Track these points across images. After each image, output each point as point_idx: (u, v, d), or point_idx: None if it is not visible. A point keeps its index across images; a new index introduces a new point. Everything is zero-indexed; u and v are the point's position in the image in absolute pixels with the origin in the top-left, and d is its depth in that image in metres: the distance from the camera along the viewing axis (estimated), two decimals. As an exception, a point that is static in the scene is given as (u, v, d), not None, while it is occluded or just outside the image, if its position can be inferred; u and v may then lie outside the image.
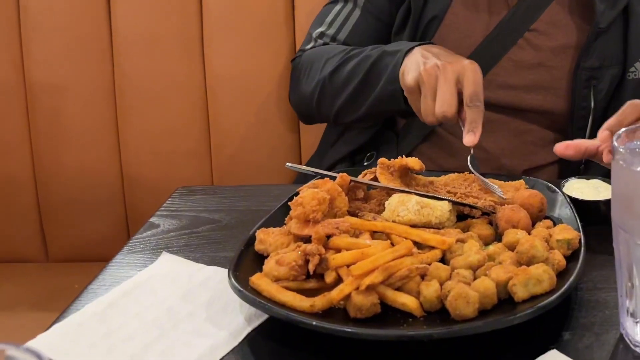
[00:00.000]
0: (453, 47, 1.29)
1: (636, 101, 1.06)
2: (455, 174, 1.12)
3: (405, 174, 1.11)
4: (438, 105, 1.12)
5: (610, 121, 1.05)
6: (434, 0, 1.39)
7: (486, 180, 1.07)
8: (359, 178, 1.11)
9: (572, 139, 1.35)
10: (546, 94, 1.38)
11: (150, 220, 1.18)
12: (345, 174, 1.07)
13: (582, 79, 1.35)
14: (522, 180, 1.09)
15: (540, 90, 1.38)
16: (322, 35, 1.49)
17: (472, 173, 1.10)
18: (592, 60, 1.35)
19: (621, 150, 0.79)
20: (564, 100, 1.39)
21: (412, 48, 1.25)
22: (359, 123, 1.50)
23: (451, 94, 1.12)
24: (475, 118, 1.11)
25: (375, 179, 1.10)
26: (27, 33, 1.69)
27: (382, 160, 1.10)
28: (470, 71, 1.13)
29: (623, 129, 0.81)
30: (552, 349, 0.81)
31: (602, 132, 1.04)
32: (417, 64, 1.18)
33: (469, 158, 1.12)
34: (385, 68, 1.28)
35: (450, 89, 1.12)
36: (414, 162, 1.09)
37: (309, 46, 1.50)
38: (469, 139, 1.11)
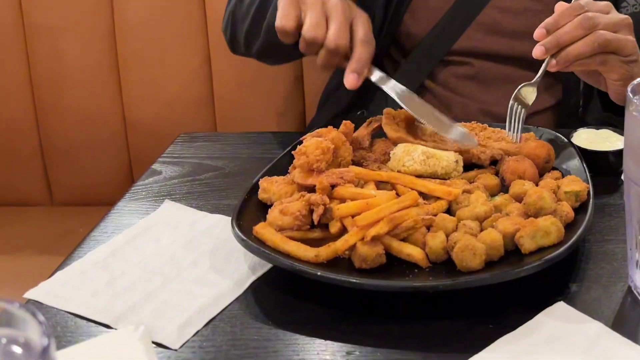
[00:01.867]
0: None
1: (575, 3, 1.03)
2: (462, 123, 1.10)
3: (411, 124, 1.09)
4: (331, 33, 1.04)
5: (548, 20, 1.03)
6: None
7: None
8: (364, 126, 1.09)
9: (565, 83, 1.33)
10: (530, 39, 1.32)
11: (152, 166, 1.17)
12: (348, 121, 1.05)
13: None
14: (531, 133, 1.07)
15: (529, 36, 1.33)
16: None
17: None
18: None
19: (635, 100, 0.77)
20: None
21: None
22: (269, 56, 1.38)
23: (345, 25, 1.05)
24: (365, 57, 1.06)
25: (380, 128, 1.08)
26: (23, -26, 1.65)
27: (388, 110, 1.08)
28: (362, 16, 1.08)
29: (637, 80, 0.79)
30: (559, 301, 0.80)
31: (539, 30, 1.03)
32: None
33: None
34: None
35: (343, 19, 1.05)
36: None
37: None
38: (352, 79, 1.05)
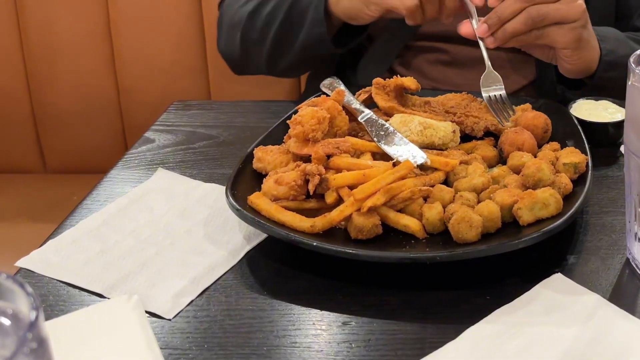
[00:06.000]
0: None
1: None
2: (453, 93, 1.09)
3: (401, 94, 1.08)
4: None
5: (491, 14, 1.03)
6: None
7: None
8: (355, 97, 1.07)
9: (538, 61, 1.27)
10: None
11: (145, 134, 1.15)
12: (340, 89, 1.03)
13: None
14: (528, 104, 1.05)
15: None
16: None
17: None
18: None
19: (638, 71, 0.75)
20: None
21: None
22: (299, 70, 1.40)
23: None
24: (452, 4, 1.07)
25: (370, 98, 1.07)
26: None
27: (377, 80, 1.06)
28: None
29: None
30: (557, 272, 0.80)
31: (481, 26, 1.04)
32: None
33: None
34: (307, 7, 1.18)
35: None
36: (409, 81, 1.05)
37: None
38: (483, 28, 1.04)
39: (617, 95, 1.05)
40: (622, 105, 1.04)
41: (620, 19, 1.32)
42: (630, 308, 0.74)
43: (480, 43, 1.06)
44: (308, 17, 1.19)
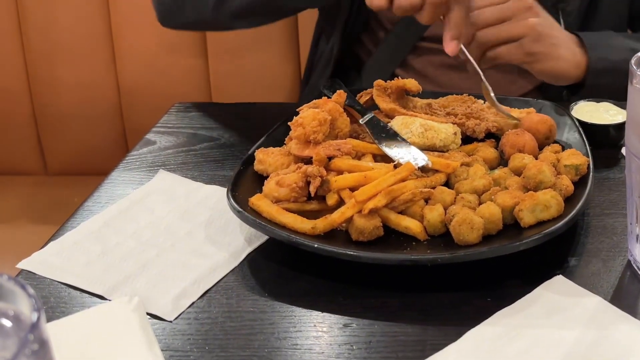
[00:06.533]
0: None
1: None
2: (454, 95, 1.08)
3: (402, 96, 1.08)
4: None
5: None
6: None
7: (499, 105, 1.04)
8: (356, 99, 1.07)
9: None
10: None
11: (147, 136, 1.15)
12: (341, 90, 1.03)
13: (547, 5, 1.22)
14: (532, 108, 1.05)
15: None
16: None
17: (488, 93, 1.05)
18: None
19: (639, 73, 0.75)
20: None
21: None
22: (249, 19, 1.25)
23: None
24: (461, 19, 0.99)
25: (371, 100, 1.07)
26: (15, -61, 1.62)
27: (378, 81, 1.06)
28: None
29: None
30: (558, 274, 0.79)
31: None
32: None
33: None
34: None
35: None
36: (411, 83, 1.05)
37: None
38: (453, 46, 0.99)
39: (618, 98, 1.05)
40: (624, 107, 1.04)
41: (636, 17, 1.32)
42: (631, 310, 0.74)
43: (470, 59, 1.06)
44: None
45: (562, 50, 1.12)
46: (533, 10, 1.09)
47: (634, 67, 0.76)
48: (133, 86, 1.68)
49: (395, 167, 0.89)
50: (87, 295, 0.80)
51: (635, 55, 0.77)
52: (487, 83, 1.03)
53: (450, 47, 1.00)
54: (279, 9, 1.21)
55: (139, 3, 1.63)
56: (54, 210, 1.53)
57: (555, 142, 0.99)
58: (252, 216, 0.85)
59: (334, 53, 1.38)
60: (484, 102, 1.06)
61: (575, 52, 1.14)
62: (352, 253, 0.80)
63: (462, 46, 1.02)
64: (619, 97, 1.05)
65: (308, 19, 1.56)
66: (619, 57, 1.12)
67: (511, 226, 0.83)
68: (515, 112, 1.04)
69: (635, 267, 0.80)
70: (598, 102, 1.08)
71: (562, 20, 1.26)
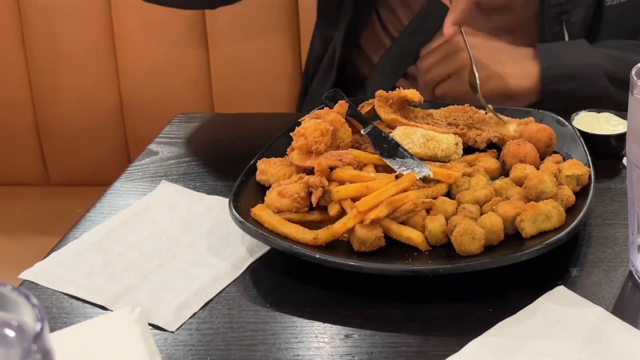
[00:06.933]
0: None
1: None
2: (455, 105, 1.09)
3: (404, 107, 1.08)
4: None
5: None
6: None
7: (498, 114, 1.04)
8: (358, 109, 1.07)
9: None
10: (514, 36, 1.29)
11: (149, 147, 1.16)
12: (343, 101, 1.04)
13: (550, 16, 1.26)
14: (531, 117, 1.06)
15: (508, 32, 1.30)
16: None
17: (481, 101, 1.06)
18: None
19: None
20: (535, 40, 1.28)
21: None
22: None
23: None
24: (465, 6, 1.03)
25: (373, 111, 1.07)
26: (19, -49, 1.63)
27: (379, 92, 1.07)
28: None
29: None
30: (560, 285, 0.79)
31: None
32: None
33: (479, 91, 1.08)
34: None
35: None
36: (412, 93, 1.06)
37: None
38: (452, 31, 1.03)
39: (586, 104, 1.08)
40: (625, 117, 1.04)
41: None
42: (633, 321, 0.74)
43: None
44: None
45: (507, 68, 1.16)
46: (462, 50, 1.16)
47: (635, 77, 0.76)
48: (135, 97, 1.69)
49: (397, 177, 0.89)
50: (89, 305, 0.81)
51: (636, 66, 0.78)
52: (481, 96, 1.06)
53: (450, 30, 1.03)
54: None
55: (142, 13, 1.63)
56: (56, 221, 1.53)
57: (557, 152, 0.99)
58: (253, 227, 0.85)
59: (336, 59, 1.37)
60: (486, 113, 1.06)
61: (526, 66, 1.18)
62: (353, 263, 0.80)
63: (462, 32, 1.05)
64: (588, 104, 1.07)
65: (310, 23, 1.56)
66: (578, 63, 1.14)
67: (513, 236, 0.83)
68: (515, 122, 1.04)
69: (637, 278, 0.80)
70: (599, 112, 1.09)
71: (565, 32, 1.26)
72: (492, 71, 1.17)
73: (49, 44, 1.67)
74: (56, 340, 0.65)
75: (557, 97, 1.15)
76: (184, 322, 0.78)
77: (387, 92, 1.07)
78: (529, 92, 1.19)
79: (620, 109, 1.03)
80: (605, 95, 1.15)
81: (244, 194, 0.92)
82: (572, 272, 0.82)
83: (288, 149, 0.98)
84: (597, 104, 1.09)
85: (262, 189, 0.93)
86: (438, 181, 0.91)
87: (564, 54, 1.19)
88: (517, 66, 1.17)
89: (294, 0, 1.65)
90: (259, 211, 0.88)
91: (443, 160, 0.98)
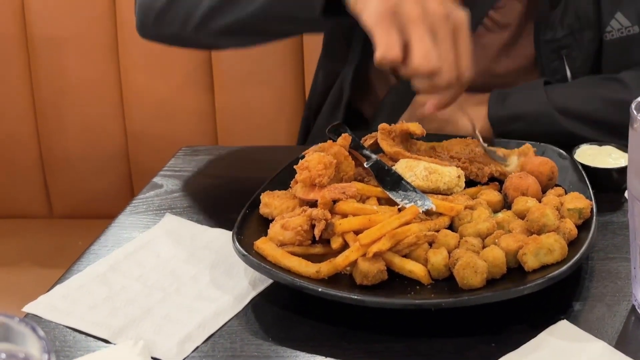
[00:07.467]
0: None
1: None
2: (457, 138, 1.09)
3: (406, 139, 1.09)
4: (449, 66, 0.91)
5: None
6: None
7: (491, 149, 1.05)
8: (361, 142, 1.08)
9: None
10: (517, 76, 1.30)
11: (154, 180, 1.16)
12: (347, 134, 1.04)
13: (546, 52, 1.26)
14: (528, 145, 1.06)
15: (511, 74, 1.31)
16: None
17: (479, 141, 1.07)
18: (556, 31, 1.24)
19: (639, 117, 0.76)
20: (537, 78, 1.27)
21: None
22: (234, 38, 1.19)
23: (466, 53, 0.93)
24: (459, 95, 1.02)
25: (376, 144, 1.08)
26: (27, -15, 1.65)
27: (382, 125, 1.07)
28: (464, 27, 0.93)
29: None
30: (563, 319, 0.79)
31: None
32: None
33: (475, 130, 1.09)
34: None
35: (464, 47, 0.93)
36: (415, 126, 1.06)
37: None
38: (433, 109, 1.02)
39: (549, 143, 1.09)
40: (626, 150, 1.04)
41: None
42: (636, 355, 0.74)
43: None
44: None
45: (463, 114, 1.17)
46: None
47: (634, 111, 0.76)
48: (140, 130, 1.70)
49: (400, 210, 0.89)
50: (92, 339, 0.81)
51: (635, 100, 0.78)
52: (478, 134, 1.07)
53: (431, 109, 1.03)
54: (266, 31, 1.17)
55: (148, 48, 1.65)
56: (60, 254, 1.54)
57: (559, 185, 0.99)
58: (256, 260, 0.85)
59: (344, 100, 1.37)
60: (487, 146, 1.07)
61: (478, 110, 1.20)
62: (356, 297, 0.80)
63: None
64: (552, 141, 1.08)
65: (315, 58, 1.57)
66: (524, 103, 1.17)
67: (515, 270, 0.83)
68: (516, 154, 1.05)
69: (640, 312, 0.80)
70: (601, 145, 1.09)
71: (567, 67, 1.27)
72: (450, 117, 1.20)
73: (55, 76, 1.68)
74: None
75: (511, 138, 1.16)
76: (187, 356, 0.78)
77: (390, 125, 1.08)
78: (492, 132, 1.20)
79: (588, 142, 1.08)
80: (565, 132, 1.16)
81: (248, 226, 0.93)
82: (575, 306, 0.82)
83: (292, 182, 0.99)
84: (565, 140, 1.10)
85: (266, 221, 0.94)
86: (440, 214, 0.91)
87: (513, 97, 1.21)
88: (471, 111, 1.19)
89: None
90: (262, 244, 0.88)
91: (445, 192, 0.98)
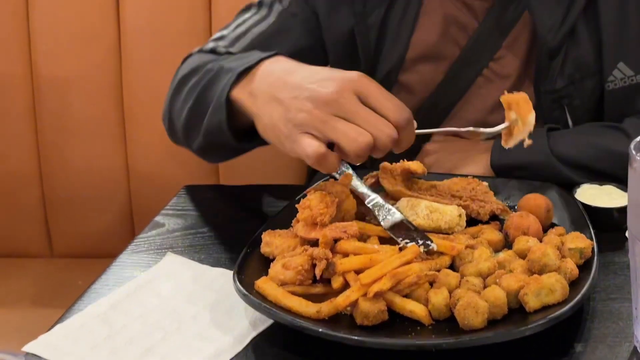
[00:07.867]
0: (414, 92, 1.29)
1: None
2: (459, 177, 1.10)
3: (408, 178, 1.09)
4: (387, 132, 0.88)
5: None
6: (388, 54, 1.28)
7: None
8: (362, 181, 1.09)
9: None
10: None
11: (155, 219, 1.17)
12: (348, 172, 1.05)
13: (547, 102, 1.26)
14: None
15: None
16: (220, 38, 1.27)
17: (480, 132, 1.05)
18: (556, 81, 1.24)
19: (638, 158, 0.77)
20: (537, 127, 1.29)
21: (248, 69, 1.02)
22: (212, 155, 1.26)
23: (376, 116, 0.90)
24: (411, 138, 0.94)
25: (377, 182, 1.08)
26: (34, 25, 1.67)
27: (384, 164, 1.08)
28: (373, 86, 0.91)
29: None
30: (564, 361, 0.79)
31: None
32: (282, 106, 0.93)
33: None
34: (215, 91, 1.07)
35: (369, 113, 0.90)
36: (416, 165, 1.07)
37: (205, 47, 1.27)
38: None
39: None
40: (626, 190, 1.05)
41: None
42: (639, 397, 0.73)
43: None
44: (212, 101, 1.07)
45: (466, 163, 1.21)
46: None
47: (634, 152, 0.77)
48: (143, 168, 1.70)
49: (401, 249, 0.90)
50: (91, 379, 0.80)
51: (634, 140, 0.79)
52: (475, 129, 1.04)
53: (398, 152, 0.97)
54: (230, 149, 1.17)
55: (152, 88, 1.67)
56: (59, 293, 1.53)
57: (559, 224, 0.99)
58: (257, 299, 0.85)
59: None
60: (488, 185, 1.07)
61: (480, 160, 1.22)
62: (356, 338, 0.79)
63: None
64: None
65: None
66: (527, 152, 1.12)
67: (516, 310, 0.83)
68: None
69: (642, 353, 0.80)
70: (601, 185, 1.09)
71: (568, 116, 1.27)
72: (454, 167, 1.22)
73: (60, 116, 1.69)
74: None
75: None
76: (186, 397, 0.77)
77: (392, 163, 1.08)
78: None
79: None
80: (567, 179, 1.16)
81: (249, 266, 0.93)
82: (577, 348, 0.82)
83: (293, 221, 0.99)
84: (566, 185, 1.11)
85: (267, 260, 0.94)
86: (441, 253, 0.91)
87: (516, 146, 1.20)
88: (474, 161, 1.21)
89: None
90: (263, 284, 0.88)
91: (446, 232, 0.98)
